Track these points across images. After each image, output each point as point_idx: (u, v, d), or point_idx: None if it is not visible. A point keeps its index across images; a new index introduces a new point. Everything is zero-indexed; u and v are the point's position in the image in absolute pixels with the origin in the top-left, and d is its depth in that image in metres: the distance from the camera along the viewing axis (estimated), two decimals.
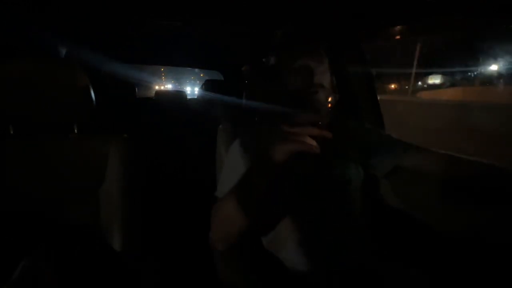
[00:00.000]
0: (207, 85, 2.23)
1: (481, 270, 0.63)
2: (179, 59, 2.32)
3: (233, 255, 0.67)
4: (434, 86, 12.97)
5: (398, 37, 1.04)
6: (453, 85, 12.10)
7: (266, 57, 0.81)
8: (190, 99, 2.68)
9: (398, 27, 0.96)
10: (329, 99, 0.70)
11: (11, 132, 0.76)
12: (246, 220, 0.62)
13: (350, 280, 0.64)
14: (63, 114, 0.77)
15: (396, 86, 14.33)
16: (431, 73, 13.12)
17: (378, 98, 1.18)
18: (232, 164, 0.72)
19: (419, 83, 13.74)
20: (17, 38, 1.11)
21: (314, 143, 0.51)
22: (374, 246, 0.73)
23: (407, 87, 12.64)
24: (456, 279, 0.64)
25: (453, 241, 0.71)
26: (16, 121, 0.76)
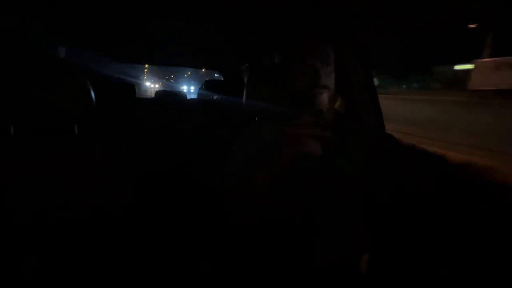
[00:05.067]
0: (207, 85, 2.23)
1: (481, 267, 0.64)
2: (178, 59, 2.32)
3: None
4: None
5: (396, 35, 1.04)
6: None
7: (271, 55, 0.81)
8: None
9: (397, 26, 0.96)
10: (338, 100, 0.70)
11: (11, 132, 0.76)
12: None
13: (345, 275, 0.64)
14: (63, 114, 0.78)
15: None
16: None
17: None
18: (233, 167, 0.72)
19: None
20: (17, 38, 1.11)
21: (316, 144, 0.51)
22: (372, 244, 0.73)
23: None
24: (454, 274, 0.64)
25: (451, 237, 0.71)
26: (16, 121, 0.76)
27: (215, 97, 2.24)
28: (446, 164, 0.79)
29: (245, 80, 0.93)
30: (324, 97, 0.69)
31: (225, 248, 0.70)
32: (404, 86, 13.58)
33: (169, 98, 2.52)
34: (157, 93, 2.72)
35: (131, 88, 2.15)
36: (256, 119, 0.91)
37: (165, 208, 1.27)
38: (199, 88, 2.58)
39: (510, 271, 0.59)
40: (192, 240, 1.11)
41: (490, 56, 9.94)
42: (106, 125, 0.99)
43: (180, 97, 2.59)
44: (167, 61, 2.53)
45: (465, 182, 0.72)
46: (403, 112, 5.97)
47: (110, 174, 0.80)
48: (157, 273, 0.84)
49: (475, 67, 9.93)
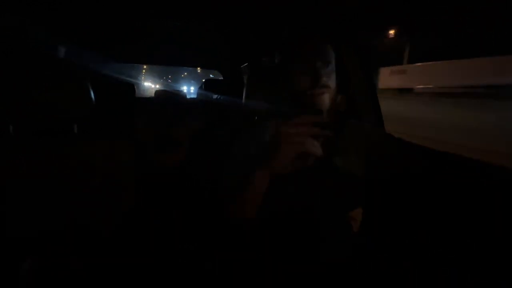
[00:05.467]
0: (207, 85, 2.23)
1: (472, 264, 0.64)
2: (178, 59, 2.33)
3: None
4: None
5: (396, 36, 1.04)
6: None
7: (271, 55, 0.80)
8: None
9: (397, 26, 0.97)
10: (339, 100, 0.70)
11: (11, 132, 0.76)
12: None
13: (342, 272, 0.64)
14: (63, 114, 0.78)
15: None
16: None
17: None
18: (232, 166, 0.72)
19: None
20: (17, 38, 1.11)
21: (315, 143, 0.51)
22: (371, 244, 0.73)
23: None
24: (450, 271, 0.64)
25: (445, 232, 0.71)
26: (15, 121, 0.76)
27: (214, 97, 2.24)
28: (446, 164, 0.79)
29: (245, 80, 0.93)
30: (325, 97, 0.69)
31: (225, 248, 0.70)
32: None
33: (169, 98, 2.52)
34: (156, 92, 2.72)
35: (131, 88, 2.15)
36: (256, 119, 0.91)
37: (165, 208, 1.27)
38: (199, 88, 2.58)
39: (510, 271, 0.59)
40: (192, 240, 1.11)
41: (408, 62, 13.41)
42: (106, 125, 0.99)
43: (180, 97, 2.59)
44: (167, 61, 2.54)
45: (465, 181, 0.72)
46: None
47: (110, 174, 0.80)
48: (157, 273, 0.84)
49: (380, 72, 13.49)
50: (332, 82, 0.72)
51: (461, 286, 0.63)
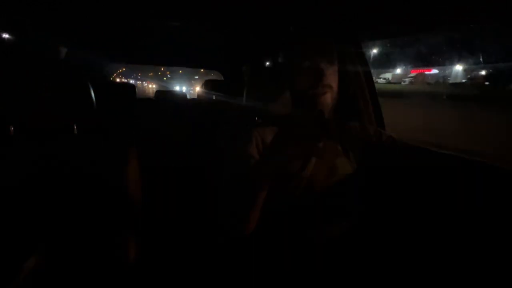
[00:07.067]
0: (207, 85, 2.22)
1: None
2: (179, 59, 2.32)
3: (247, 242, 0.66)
4: None
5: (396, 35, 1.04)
6: None
7: (271, 55, 0.80)
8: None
9: (396, 26, 0.97)
10: (339, 100, 0.70)
11: (11, 133, 0.76)
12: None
13: (342, 272, 0.64)
14: (63, 114, 0.77)
15: None
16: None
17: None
18: (233, 166, 0.72)
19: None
20: (17, 38, 1.11)
21: (316, 143, 0.51)
22: (371, 243, 0.73)
23: None
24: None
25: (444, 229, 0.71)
26: (16, 122, 0.76)
27: (214, 97, 2.23)
28: (445, 163, 0.79)
29: (245, 80, 0.93)
30: (327, 97, 0.69)
31: (223, 247, 0.70)
32: None
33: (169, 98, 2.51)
34: (157, 93, 2.73)
35: (131, 89, 2.15)
36: (256, 119, 0.91)
37: (164, 207, 1.27)
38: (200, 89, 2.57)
39: (510, 271, 0.59)
40: (191, 240, 1.12)
41: None
42: (106, 125, 0.99)
43: (180, 97, 2.59)
44: (167, 61, 2.54)
45: (465, 181, 0.72)
46: None
47: (110, 175, 0.79)
48: (157, 272, 0.84)
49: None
50: (334, 82, 0.72)
51: (461, 286, 0.63)
